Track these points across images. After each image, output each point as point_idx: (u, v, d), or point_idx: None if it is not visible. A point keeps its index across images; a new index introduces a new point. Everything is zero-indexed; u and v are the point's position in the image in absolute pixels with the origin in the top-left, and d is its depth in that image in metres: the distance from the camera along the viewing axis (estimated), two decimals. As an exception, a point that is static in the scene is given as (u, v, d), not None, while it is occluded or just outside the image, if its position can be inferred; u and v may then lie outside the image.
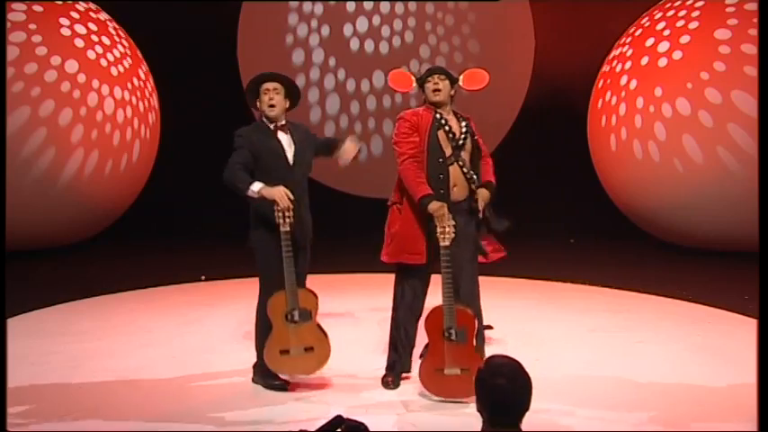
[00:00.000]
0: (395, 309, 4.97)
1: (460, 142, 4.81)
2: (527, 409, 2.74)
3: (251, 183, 4.62)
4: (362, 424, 2.60)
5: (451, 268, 4.58)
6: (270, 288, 4.84)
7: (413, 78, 4.99)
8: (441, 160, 4.76)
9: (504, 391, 2.71)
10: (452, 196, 4.75)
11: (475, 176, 4.82)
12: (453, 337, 4.58)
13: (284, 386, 4.93)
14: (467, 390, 4.52)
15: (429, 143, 4.76)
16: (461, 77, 4.96)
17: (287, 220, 4.59)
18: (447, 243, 4.55)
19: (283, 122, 4.87)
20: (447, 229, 4.56)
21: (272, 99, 4.82)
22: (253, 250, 4.91)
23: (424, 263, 4.76)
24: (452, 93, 4.89)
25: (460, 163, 4.79)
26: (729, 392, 4.87)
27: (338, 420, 2.63)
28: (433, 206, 4.60)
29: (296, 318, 4.71)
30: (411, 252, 4.77)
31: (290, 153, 4.86)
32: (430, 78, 4.83)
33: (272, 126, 4.85)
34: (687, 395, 4.86)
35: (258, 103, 4.88)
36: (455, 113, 4.92)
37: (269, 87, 4.82)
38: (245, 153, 4.73)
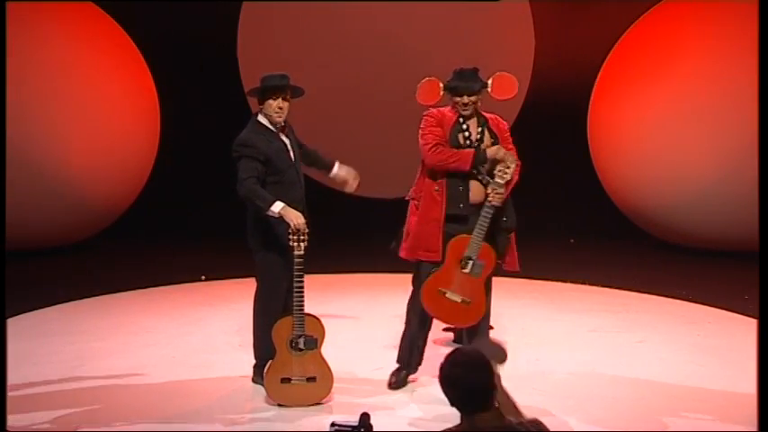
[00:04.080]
0: (410, 304, 4.94)
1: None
2: (491, 390, 2.80)
3: (272, 202, 4.63)
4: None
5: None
6: (271, 295, 4.86)
7: (441, 87, 4.84)
8: None
9: (461, 379, 2.78)
10: (470, 199, 4.74)
11: (490, 180, 4.72)
12: (468, 269, 4.65)
13: None
14: (463, 318, 4.79)
15: (450, 144, 4.75)
16: (491, 84, 4.84)
17: (301, 244, 4.57)
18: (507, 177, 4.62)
19: (283, 124, 4.90)
20: (511, 168, 4.65)
21: (282, 108, 4.82)
22: (253, 253, 4.92)
23: (439, 260, 4.72)
24: (480, 98, 4.83)
25: (474, 171, 4.73)
26: (729, 392, 4.88)
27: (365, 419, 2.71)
28: (491, 150, 4.70)
29: (301, 345, 4.62)
30: (427, 249, 4.74)
31: (292, 154, 4.90)
32: (459, 97, 4.76)
33: (274, 129, 4.86)
34: (687, 395, 4.86)
35: (263, 106, 4.86)
36: (477, 114, 4.87)
37: (279, 95, 4.81)
38: (255, 164, 4.71)
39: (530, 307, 6.86)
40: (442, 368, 2.86)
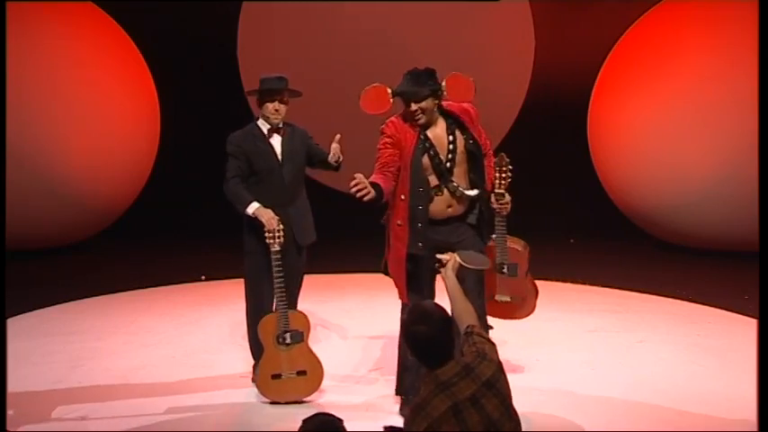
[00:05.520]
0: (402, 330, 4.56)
1: (448, 165, 4.38)
2: (453, 342, 3.00)
3: (248, 203, 4.74)
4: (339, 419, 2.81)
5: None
6: (255, 294, 4.94)
7: (389, 93, 4.43)
8: (421, 189, 4.34)
9: (425, 335, 2.96)
10: (449, 214, 4.44)
11: (472, 193, 4.45)
12: (505, 271, 4.87)
13: None
14: (520, 313, 5.08)
15: (411, 169, 4.32)
16: (445, 86, 4.41)
17: (277, 240, 4.65)
18: None
19: (280, 125, 4.94)
20: (506, 171, 4.55)
21: (278, 110, 4.90)
22: (244, 254, 4.97)
23: (405, 302, 4.48)
24: (437, 102, 4.40)
25: (451, 189, 4.40)
26: (729, 393, 4.88)
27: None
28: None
29: (287, 340, 4.69)
30: (396, 286, 4.54)
31: (280, 156, 4.94)
32: (407, 105, 4.34)
33: (265, 130, 4.93)
34: (687, 395, 4.86)
35: (261, 107, 4.94)
36: (443, 116, 4.45)
37: (275, 98, 4.88)
38: (238, 162, 4.85)
39: (530, 307, 6.85)
40: (406, 326, 3.02)
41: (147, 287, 7.60)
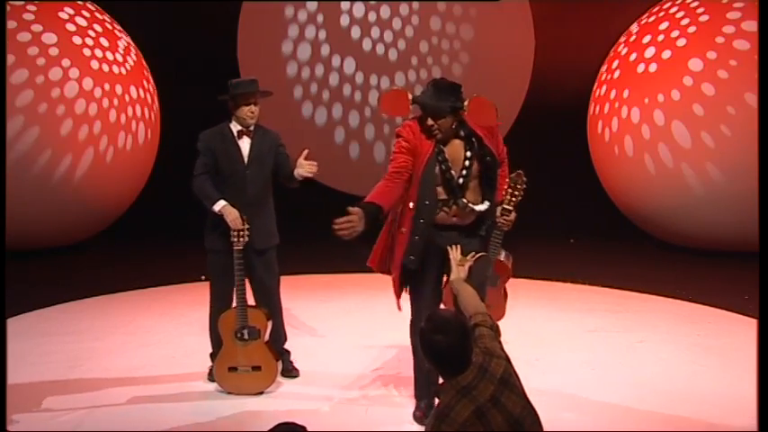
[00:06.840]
0: (414, 335, 4.50)
1: (461, 181, 4.30)
2: (471, 350, 2.99)
3: (216, 200, 4.83)
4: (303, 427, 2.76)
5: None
6: (217, 293, 5.05)
7: (409, 99, 4.30)
8: (427, 203, 4.26)
9: (441, 346, 2.94)
10: (453, 222, 4.35)
11: (481, 207, 4.36)
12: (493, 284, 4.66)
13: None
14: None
15: (422, 180, 4.24)
16: (467, 107, 4.26)
17: (240, 240, 4.77)
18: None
19: (251, 128, 4.98)
20: (519, 189, 4.31)
21: (254, 112, 4.99)
22: (206, 252, 5.06)
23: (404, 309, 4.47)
24: (457, 119, 4.28)
25: (461, 205, 4.31)
26: (729, 392, 4.88)
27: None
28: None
29: (245, 336, 4.82)
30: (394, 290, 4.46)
31: (246, 159, 4.98)
32: (424, 118, 4.23)
33: (236, 131, 5.00)
34: (687, 395, 4.86)
35: (236, 110, 5.00)
36: (462, 132, 4.32)
37: (251, 101, 4.97)
38: (207, 160, 4.96)
39: (530, 307, 6.85)
40: (424, 335, 3.00)
41: (147, 287, 7.60)
